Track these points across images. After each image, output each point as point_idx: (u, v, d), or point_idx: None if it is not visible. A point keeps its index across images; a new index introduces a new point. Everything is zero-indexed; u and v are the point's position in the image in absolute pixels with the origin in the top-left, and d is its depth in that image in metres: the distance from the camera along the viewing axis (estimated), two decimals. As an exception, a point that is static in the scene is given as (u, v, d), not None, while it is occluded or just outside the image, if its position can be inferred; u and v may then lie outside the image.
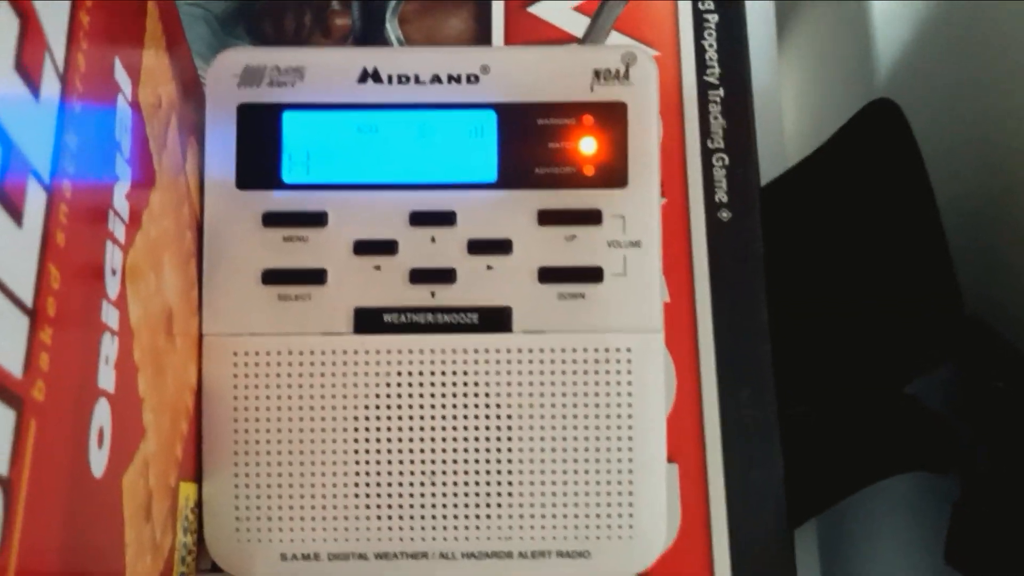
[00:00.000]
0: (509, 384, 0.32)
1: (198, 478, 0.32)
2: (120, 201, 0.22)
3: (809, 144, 0.46)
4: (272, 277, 0.32)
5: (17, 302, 0.17)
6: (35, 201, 0.17)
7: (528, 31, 0.40)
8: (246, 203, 0.32)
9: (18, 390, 0.17)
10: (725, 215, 0.38)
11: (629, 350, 0.32)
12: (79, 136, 0.19)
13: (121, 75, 0.23)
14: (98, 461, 0.21)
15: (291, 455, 0.32)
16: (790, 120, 0.57)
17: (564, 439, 0.32)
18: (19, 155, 0.16)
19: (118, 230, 0.22)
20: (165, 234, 0.27)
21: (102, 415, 0.21)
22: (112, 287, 0.22)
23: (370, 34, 0.40)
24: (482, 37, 0.41)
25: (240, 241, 0.32)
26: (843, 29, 0.53)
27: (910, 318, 0.43)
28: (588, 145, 0.33)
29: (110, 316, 0.22)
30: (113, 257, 0.22)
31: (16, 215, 0.16)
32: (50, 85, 0.18)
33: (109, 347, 0.22)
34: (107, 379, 0.22)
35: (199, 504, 0.32)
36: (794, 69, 0.59)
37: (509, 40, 0.40)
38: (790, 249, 0.42)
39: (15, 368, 0.16)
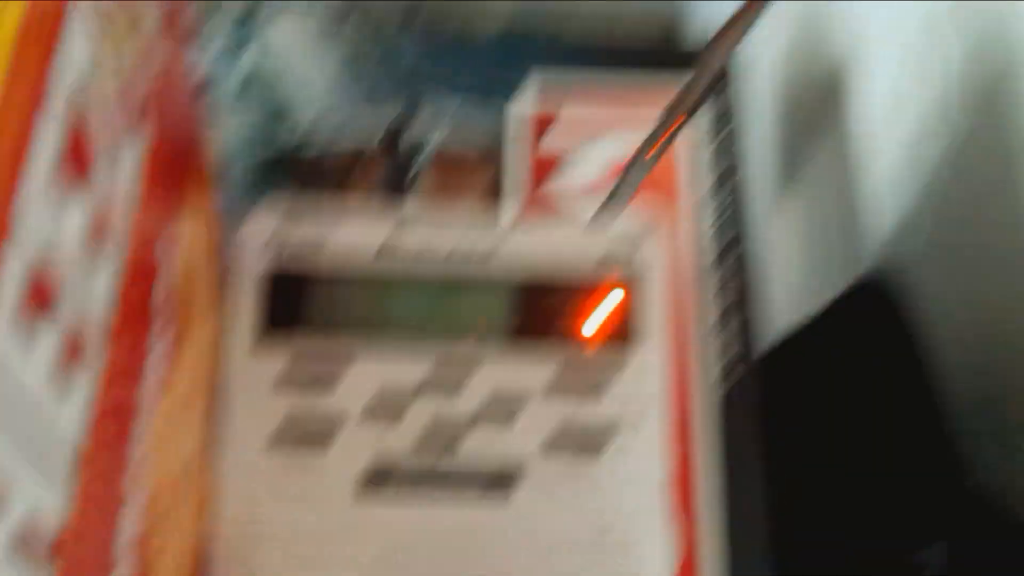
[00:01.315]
0: (507, 557, 0.32)
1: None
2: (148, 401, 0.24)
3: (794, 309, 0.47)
4: (279, 441, 0.33)
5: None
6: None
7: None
8: (262, 364, 0.33)
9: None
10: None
11: (629, 530, 0.32)
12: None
13: (163, 248, 0.24)
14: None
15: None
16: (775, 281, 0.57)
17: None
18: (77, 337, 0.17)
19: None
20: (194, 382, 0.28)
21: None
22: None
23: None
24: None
25: (252, 404, 0.33)
26: (834, 197, 0.54)
27: (908, 497, 0.43)
28: (594, 323, 0.34)
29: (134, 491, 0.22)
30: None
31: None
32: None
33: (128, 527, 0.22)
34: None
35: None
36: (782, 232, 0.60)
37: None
38: (782, 422, 0.42)
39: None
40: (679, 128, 0.35)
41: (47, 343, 0.17)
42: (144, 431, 0.23)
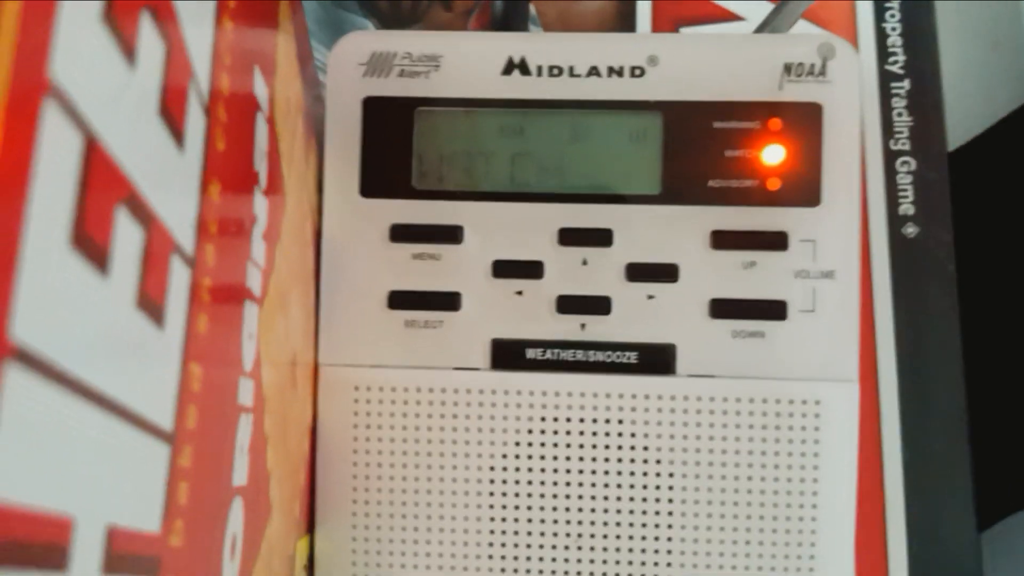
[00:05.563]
0: (672, 436, 0.27)
1: (311, 527, 0.28)
2: (258, 248, 0.18)
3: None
4: (399, 300, 0.28)
5: (154, 430, 0.12)
6: (178, 286, 0.13)
7: (678, 8, 0.35)
8: (371, 214, 0.28)
9: (154, 551, 0.12)
10: (912, 230, 0.32)
11: (818, 403, 0.27)
12: (223, 182, 0.15)
13: (260, 87, 0.18)
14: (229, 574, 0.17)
15: (416, 506, 0.28)
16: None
17: (735, 503, 0.27)
18: (163, 233, 0.12)
19: (255, 283, 0.18)
20: (292, 266, 0.23)
21: (236, 520, 0.17)
22: (248, 356, 0.17)
23: (508, 10, 0.35)
24: (626, 10, 0.35)
25: (363, 258, 0.28)
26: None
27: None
28: (774, 154, 0.28)
29: (246, 393, 0.17)
30: (249, 321, 0.17)
31: (157, 314, 0.12)
32: (195, 126, 0.13)
33: (244, 432, 0.17)
34: (241, 472, 0.17)
35: (311, 558, 0.28)
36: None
37: (657, 16, 0.35)
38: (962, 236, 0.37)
39: (151, 522, 0.12)
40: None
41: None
42: (254, 333, 0.18)
